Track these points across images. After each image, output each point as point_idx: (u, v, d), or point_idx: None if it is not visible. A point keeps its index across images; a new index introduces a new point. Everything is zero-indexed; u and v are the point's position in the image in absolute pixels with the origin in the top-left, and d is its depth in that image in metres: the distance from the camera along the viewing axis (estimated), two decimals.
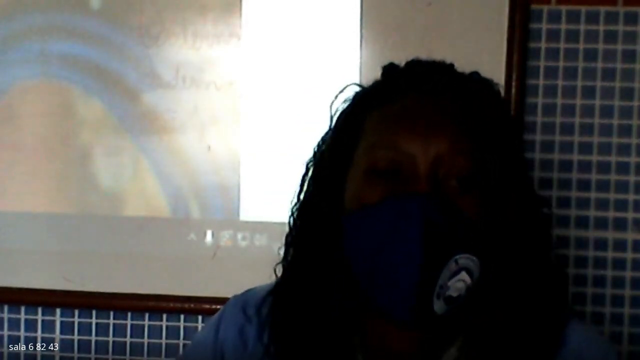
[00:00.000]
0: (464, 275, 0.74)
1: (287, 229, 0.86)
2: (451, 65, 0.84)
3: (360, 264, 0.76)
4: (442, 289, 0.73)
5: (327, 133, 0.85)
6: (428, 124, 0.75)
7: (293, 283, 0.84)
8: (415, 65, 0.83)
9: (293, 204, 0.86)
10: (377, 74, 0.86)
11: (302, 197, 0.85)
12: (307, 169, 0.86)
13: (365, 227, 0.75)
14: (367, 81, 0.87)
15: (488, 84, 0.83)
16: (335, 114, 0.84)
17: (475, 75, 0.83)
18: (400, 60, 0.86)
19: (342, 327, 0.81)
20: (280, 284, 0.86)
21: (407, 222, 0.72)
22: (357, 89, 0.85)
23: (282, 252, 0.87)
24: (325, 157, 0.83)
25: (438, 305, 0.74)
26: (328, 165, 0.82)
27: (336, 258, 0.79)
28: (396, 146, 0.75)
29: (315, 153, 0.86)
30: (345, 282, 0.79)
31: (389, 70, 0.84)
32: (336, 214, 0.79)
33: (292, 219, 0.86)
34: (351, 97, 0.84)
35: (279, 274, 0.87)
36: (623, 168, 1.59)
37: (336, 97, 0.85)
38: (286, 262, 0.86)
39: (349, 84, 0.86)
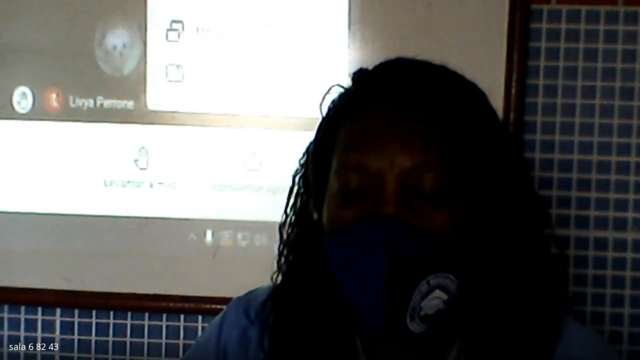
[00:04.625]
0: (438, 293, 0.73)
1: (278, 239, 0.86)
2: (424, 68, 0.79)
3: (341, 285, 0.76)
4: (415, 310, 0.72)
5: (309, 145, 0.84)
6: (393, 141, 0.73)
7: (289, 294, 0.84)
8: (384, 73, 0.79)
9: (282, 217, 0.86)
10: None
11: (289, 210, 0.86)
12: (293, 182, 0.86)
13: (340, 250, 0.74)
14: None
15: (465, 85, 0.79)
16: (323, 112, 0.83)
17: (452, 76, 0.79)
18: None
19: (341, 335, 0.81)
20: (277, 293, 0.86)
21: (372, 249, 0.71)
22: (341, 90, 0.83)
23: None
24: (308, 172, 0.83)
25: (415, 326, 0.73)
26: (310, 180, 0.82)
27: (326, 279, 0.78)
28: (362, 166, 0.73)
29: (299, 166, 0.85)
30: (338, 299, 0.78)
31: (359, 78, 0.81)
32: (320, 233, 0.79)
33: (282, 231, 0.86)
34: (329, 105, 0.82)
35: (277, 280, 0.87)
36: (623, 168, 1.59)
37: (324, 98, 0.83)
38: (280, 272, 0.86)
39: (332, 85, 0.83)
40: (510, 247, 0.77)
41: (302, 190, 0.85)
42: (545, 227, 0.81)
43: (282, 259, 0.86)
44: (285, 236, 0.86)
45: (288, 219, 0.86)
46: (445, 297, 0.73)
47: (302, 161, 0.85)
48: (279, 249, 0.86)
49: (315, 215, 0.81)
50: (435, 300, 0.73)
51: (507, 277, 0.77)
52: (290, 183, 0.86)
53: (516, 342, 0.77)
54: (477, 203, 0.75)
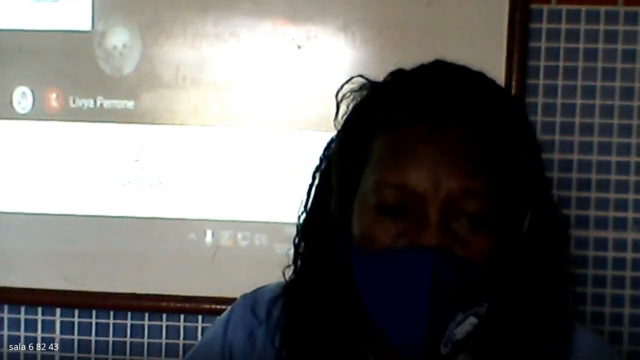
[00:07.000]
0: (471, 319, 0.72)
1: (295, 233, 0.84)
2: (466, 77, 0.76)
3: (370, 302, 0.74)
4: (449, 338, 0.72)
5: (332, 140, 0.81)
6: (438, 161, 0.70)
7: (303, 292, 0.82)
8: (425, 81, 0.75)
9: (300, 211, 0.83)
10: (376, 74, 0.80)
11: (309, 205, 0.83)
12: (314, 178, 0.83)
13: (376, 271, 0.72)
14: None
15: (508, 99, 0.78)
16: (340, 102, 0.80)
17: (494, 89, 0.77)
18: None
19: (353, 333, 0.80)
20: (290, 289, 0.84)
21: (415, 282, 0.69)
22: (363, 81, 0.79)
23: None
24: (333, 171, 0.80)
25: (446, 350, 0.72)
26: (335, 181, 0.79)
27: (344, 280, 0.77)
28: (405, 185, 0.70)
29: (321, 161, 0.82)
30: (353, 302, 0.77)
31: (397, 80, 0.77)
32: (343, 238, 0.77)
33: (299, 226, 0.83)
34: (358, 103, 0.78)
35: (289, 276, 0.85)
36: (623, 168, 1.59)
37: (342, 86, 0.80)
38: (295, 267, 0.84)
39: (354, 75, 0.80)
40: (539, 268, 0.76)
41: (322, 188, 0.82)
42: (566, 244, 0.80)
43: (298, 255, 0.84)
44: (302, 232, 0.83)
45: (306, 216, 0.83)
46: (476, 321, 0.73)
47: (323, 157, 0.82)
48: (294, 243, 0.84)
49: (337, 214, 0.78)
50: (467, 327, 0.72)
51: (529, 292, 0.76)
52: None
53: (527, 348, 0.76)
54: (513, 227, 0.74)
